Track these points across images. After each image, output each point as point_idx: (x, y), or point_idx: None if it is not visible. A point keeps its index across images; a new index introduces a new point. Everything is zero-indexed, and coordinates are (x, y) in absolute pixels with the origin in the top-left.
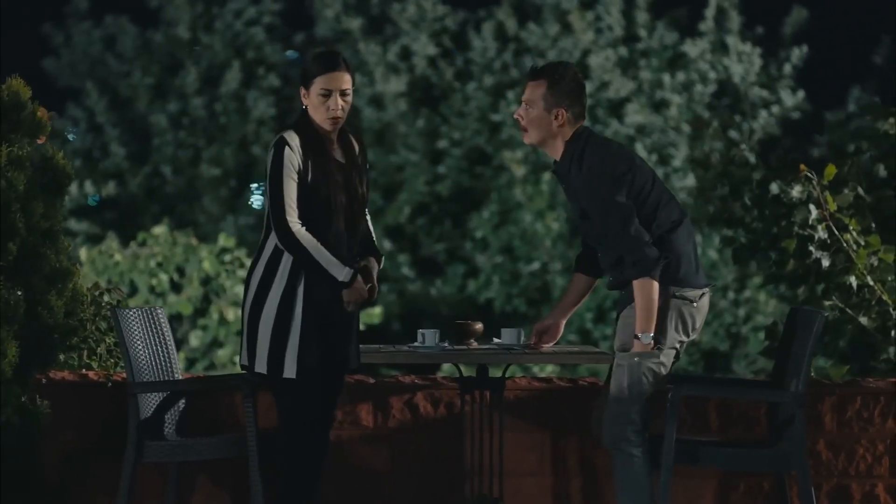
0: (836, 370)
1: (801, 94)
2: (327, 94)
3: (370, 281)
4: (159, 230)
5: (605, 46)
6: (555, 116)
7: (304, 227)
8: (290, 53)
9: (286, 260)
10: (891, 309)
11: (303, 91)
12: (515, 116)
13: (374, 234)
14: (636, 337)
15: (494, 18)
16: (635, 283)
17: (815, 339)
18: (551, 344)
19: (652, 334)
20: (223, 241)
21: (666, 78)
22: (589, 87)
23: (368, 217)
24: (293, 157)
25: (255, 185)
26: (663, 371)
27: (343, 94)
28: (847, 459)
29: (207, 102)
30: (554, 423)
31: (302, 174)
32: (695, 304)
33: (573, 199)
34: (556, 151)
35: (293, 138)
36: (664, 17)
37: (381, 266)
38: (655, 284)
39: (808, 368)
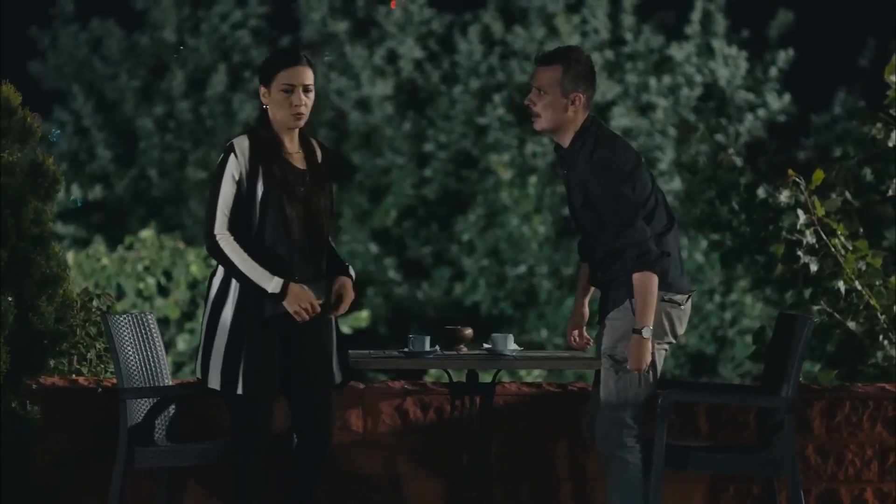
0: (825, 375)
1: (787, 97)
2: (290, 90)
3: (341, 295)
4: (146, 234)
5: (591, 49)
6: (572, 101)
7: (231, 237)
8: None
9: None
10: (879, 313)
11: (262, 90)
12: (526, 102)
13: (335, 248)
14: (636, 331)
15: (480, 21)
16: (636, 276)
17: (804, 344)
18: (587, 338)
19: (651, 328)
20: None
21: (652, 81)
22: None
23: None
24: (237, 164)
25: None
26: (655, 373)
27: (306, 89)
28: (836, 464)
29: (194, 105)
30: (543, 427)
31: (249, 182)
32: (682, 307)
33: (575, 187)
34: (565, 138)
35: (242, 144)
36: (650, 21)
37: (354, 277)
38: (655, 279)
39: (798, 374)
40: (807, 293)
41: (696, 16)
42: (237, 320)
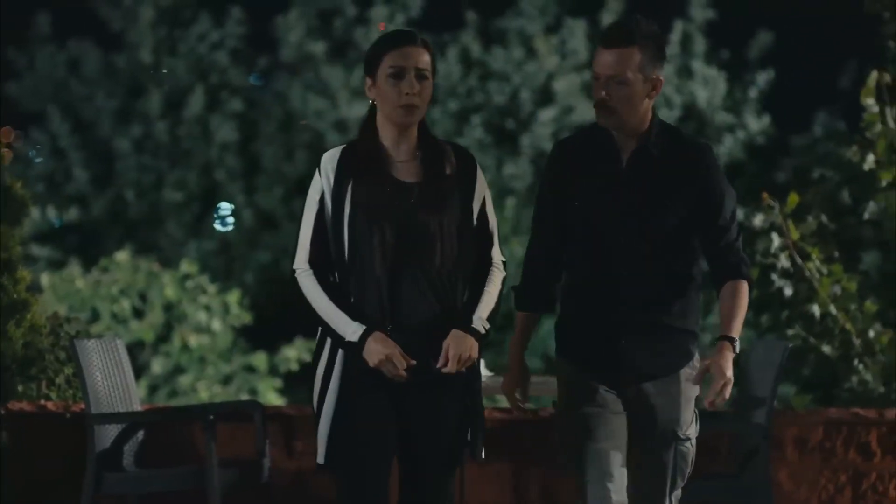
0: (799, 399)
1: (766, 118)
2: (399, 74)
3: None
4: (122, 256)
5: (570, 71)
6: (653, 86)
7: (312, 273)
8: (253, 77)
9: None
10: (854, 338)
11: (368, 82)
12: (603, 96)
13: (483, 291)
14: (728, 339)
15: (459, 42)
16: (743, 285)
17: (779, 370)
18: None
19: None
20: (186, 266)
21: None
22: (554, 112)
23: (494, 267)
24: (320, 183)
25: (221, 205)
26: None
27: (420, 75)
28: (809, 490)
29: (171, 126)
30: (516, 453)
31: (336, 203)
32: None
33: (669, 188)
34: (635, 129)
35: (331, 158)
36: None
37: (477, 328)
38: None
39: (773, 399)
40: (782, 316)
41: (675, 36)
42: (344, 379)
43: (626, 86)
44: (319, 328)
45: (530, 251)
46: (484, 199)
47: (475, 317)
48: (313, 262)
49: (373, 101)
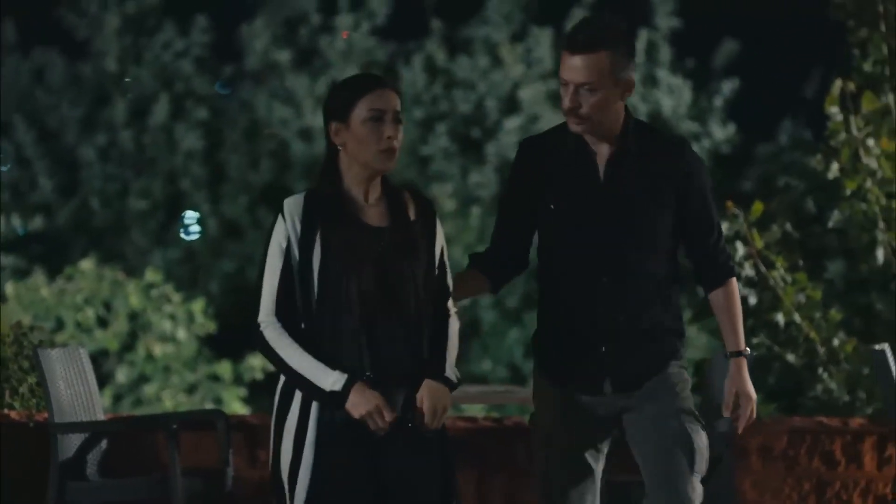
0: (764, 408)
1: (731, 127)
2: (379, 118)
3: (424, 405)
4: (86, 264)
5: (535, 79)
6: (626, 89)
7: (279, 325)
8: (219, 86)
9: None
10: (818, 346)
11: (334, 128)
12: (571, 105)
13: (448, 341)
14: (739, 355)
15: (424, 51)
16: (731, 285)
17: None
18: None
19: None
20: (150, 275)
21: None
22: (519, 120)
23: (452, 317)
24: (284, 230)
25: (186, 214)
26: None
27: (396, 119)
28: (773, 499)
29: (136, 135)
30: (479, 462)
31: (303, 251)
32: None
33: (650, 189)
34: (609, 132)
35: (295, 204)
36: None
37: (449, 377)
38: None
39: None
40: (747, 325)
41: (640, 45)
42: (320, 436)
43: (597, 93)
44: (281, 382)
45: (493, 239)
46: (442, 248)
47: (447, 366)
48: (280, 314)
49: (334, 146)
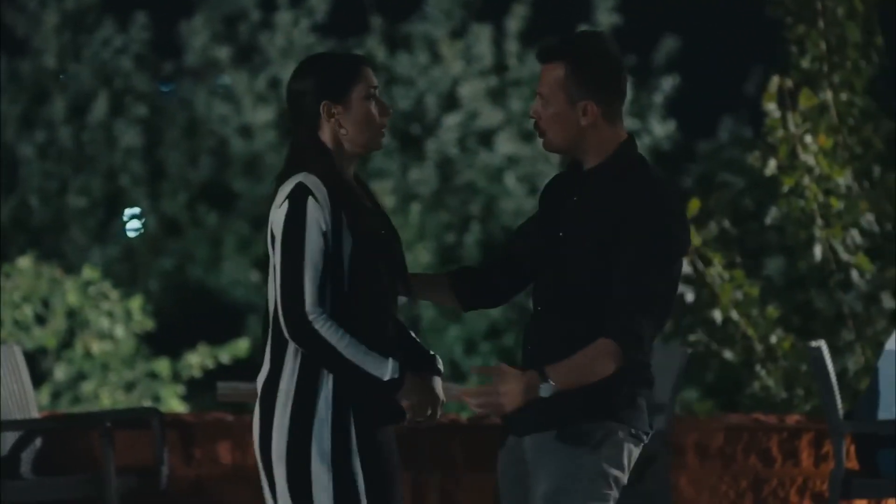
0: (701, 405)
1: (672, 123)
2: (375, 95)
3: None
4: (24, 262)
5: (475, 76)
6: (582, 111)
7: (326, 316)
8: (163, 85)
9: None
10: (755, 343)
11: (326, 109)
12: (531, 114)
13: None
14: (540, 373)
15: (364, 47)
16: (601, 343)
17: (678, 378)
18: None
19: (554, 388)
20: (88, 272)
21: None
22: (459, 117)
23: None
24: (319, 211)
25: (129, 210)
26: None
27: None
28: (709, 496)
29: (75, 132)
30: (414, 461)
31: (333, 239)
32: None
33: (588, 218)
34: (588, 155)
35: (316, 184)
36: (534, 47)
37: (442, 370)
38: (612, 368)
39: (673, 406)
40: (684, 323)
41: None
42: (361, 437)
43: (548, 105)
44: (287, 378)
45: (488, 260)
46: None
47: (436, 357)
48: (321, 304)
49: (314, 129)
